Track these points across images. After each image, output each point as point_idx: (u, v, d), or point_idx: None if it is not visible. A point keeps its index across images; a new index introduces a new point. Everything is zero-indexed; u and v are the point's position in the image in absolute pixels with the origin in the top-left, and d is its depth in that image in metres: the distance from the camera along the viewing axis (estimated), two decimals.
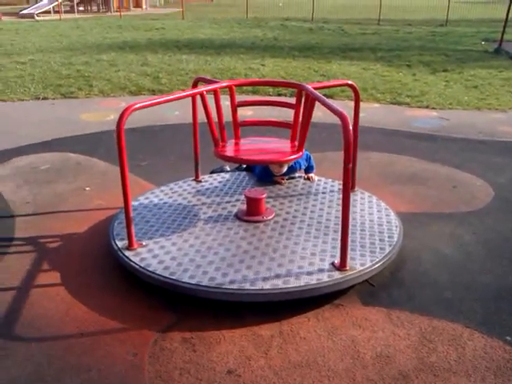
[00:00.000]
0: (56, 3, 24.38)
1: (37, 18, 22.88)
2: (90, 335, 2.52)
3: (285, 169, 3.96)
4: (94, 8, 28.99)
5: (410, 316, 2.67)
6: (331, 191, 3.93)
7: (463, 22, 22.72)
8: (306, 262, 2.88)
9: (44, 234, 3.56)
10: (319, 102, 3.01)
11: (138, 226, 3.29)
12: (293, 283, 2.68)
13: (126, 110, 2.79)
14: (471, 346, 2.44)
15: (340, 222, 3.20)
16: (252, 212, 3.45)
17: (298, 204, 3.68)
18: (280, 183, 4.04)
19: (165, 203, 3.69)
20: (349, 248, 2.90)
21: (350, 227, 3.20)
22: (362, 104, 7.64)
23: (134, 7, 30.49)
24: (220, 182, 4.08)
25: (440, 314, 2.69)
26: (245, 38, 16.02)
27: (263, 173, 4.07)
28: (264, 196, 3.45)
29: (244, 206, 3.54)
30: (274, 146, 3.55)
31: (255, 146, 3.54)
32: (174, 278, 2.73)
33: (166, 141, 5.77)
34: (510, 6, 13.60)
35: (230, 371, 2.30)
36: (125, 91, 8.27)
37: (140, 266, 2.85)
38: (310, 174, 4.16)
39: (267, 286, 2.66)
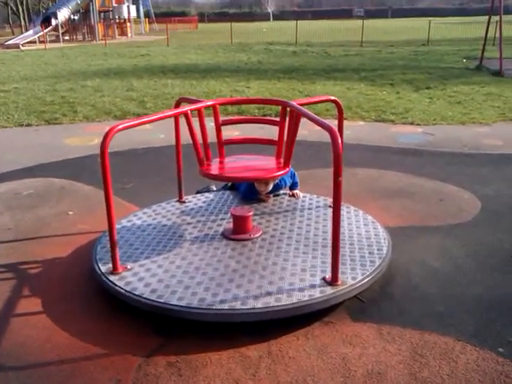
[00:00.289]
0: (41, 33, 24.51)
1: (22, 48, 22.97)
2: (70, 362, 2.43)
3: (270, 187, 3.92)
4: (80, 37, 29.22)
5: (400, 331, 2.61)
6: (317, 207, 3.89)
7: (444, 42, 23.17)
8: (297, 279, 2.82)
9: (25, 259, 3.47)
10: (306, 117, 2.99)
11: (122, 249, 3.21)
12: (285, 301, 2.62)
13: (109, 130, 2.74)
14: (463, 359, 2.38)
15: (329, 237, 3.17)
16: (239, 230, 3.39)
17: (285, 221, 3.64)
18: (265, 200, 3.99)
19: (148, 225, 3.61)
20: (344, 264, 2.86)
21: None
22: (347, 122, 7.68)
23: (119, 35, 30.75)
24: (204, 202, 4.02)
25: (431, 327, 2.63)
26: (229, 62, 16.17)
27: (248, 191, 4.02)
28: (251, 214, 3.40)
29: (230, 225, 3.49)
30: (260, 163, 3.52)
31: (241, 164, 3.51)
32: (161, 300, 2.64)
33: (150, 163, 5.73)
34: (488, 24, 13.88)
35: None
36: (110, 116, 8.24)
37: (126, 290, 2.75)
38: (295, 191, 4.13)
39: (259, 304, 2.59)
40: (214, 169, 3.37)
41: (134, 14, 35.54)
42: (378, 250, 3.17)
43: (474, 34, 23.63)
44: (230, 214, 3.62)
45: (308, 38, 25.44)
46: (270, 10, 76.51)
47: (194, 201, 4.06)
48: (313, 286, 2.74)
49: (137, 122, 2.97)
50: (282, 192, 4.15)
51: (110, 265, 2.97)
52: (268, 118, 7.05)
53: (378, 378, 2.27)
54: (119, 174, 5.19)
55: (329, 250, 3.09)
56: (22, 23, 35.99)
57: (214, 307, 2.58)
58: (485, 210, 4.21)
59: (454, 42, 23.28)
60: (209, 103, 3.48)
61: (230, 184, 4.35)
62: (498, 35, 13.42)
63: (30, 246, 3.69)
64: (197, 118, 3.36)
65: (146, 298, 2.67)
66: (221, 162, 3.50)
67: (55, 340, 2.59)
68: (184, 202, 4.03)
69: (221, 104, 3.69)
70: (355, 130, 7.02)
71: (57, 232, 3.91)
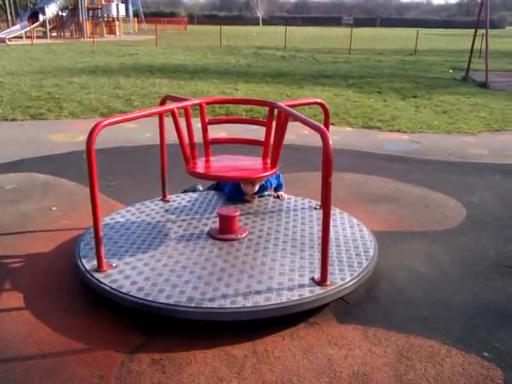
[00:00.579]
0: (28, 28, 24.25)
1: (8, 42, 22.69)
2: (52, 357, 2.38)
3: (256, 188, 3.91)
4: (67, 34, 28.96)
5: (386, 333, 2.61)
6: (302, 209, 3.89)
7: (431, 52, 23.44)
8: (286, 278, 2.81)
9: (7, 254, 3.40)
10: (296, 118, 2.98)
11: (106, 246, 3.14)
12: (274, 300, 2.60)
13: (96, 125, 2.70)
14: (449, 362, 2.39)
15: (315, 239, 3.20)
16: (225, 230, 3.37)
17: (271, 221, 3.62)
18: (250, 201, 3.98)
19: (132, 223, 3.56)
20: (331, 262, 2.89)
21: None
22: (334, 127, 7.72)
23: (107, 34, 30.56)
24: (188, 202, 3.99)
25: (417, 331, 2.63)
26: (218, 64, 16.16)
27: (233, 191, 4.00)
28: (237, 214, 3.38)
29: (216, 225, 3.46)
30: (247, 163, 3.50)
31: (227, 163, 3.49)
32: (149, 299, 2.60)
33: (136, 161, 5.68)
34: (474, 37, 14.08)
35: None
36: (96, 113, 8.16)
37: (112, 288, 2.70)
38: (280, 193, 4.12)
39: (249, 303, 2.57)
40: (201, 167, 3.34)
41: (122, 12, 35.35)
42: (365, 251, 3.18)
43: (460, 45, 23.97)
44: (215, 214, 3.60)
45: (297, 44, 25.56)
46: (259, 15, 76.74)
47: (177, 200, 4.02)
48: (302, 286, 2.73)
49: (124, 117, 2.94)
50: (266, 193, 4.14)
51: (95, 262, 2.92)
52: (255, 118, 7.04)
53: (364, 379, 2.26)
54: (104, 172, 5.13)
55: (316, 251, 3.11)
56: (9, 17, 35.57)
57: (203, 306, 2.55)
58: (470, 217, 4.25)
59: (441, 52, 23.58)
60: (195, 102, 3.44)
61: (215, 184, 4.33)
62: (483, 48, 13.61)
63: (12, 240, 3.62)
64: (183, 117, 3.33)
65: (132, 296, 2.63)
66: (207, 161, 3.47)
67: (37, 335, 2.54)
68: (168, 201, 3.98)
69: (207, 103, 3.65)
70: (342, 136, 7.04)
71: (40, 227, 3.85)
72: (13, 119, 7.63)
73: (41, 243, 3.56)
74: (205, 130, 3.51)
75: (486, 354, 2.45)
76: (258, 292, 2.67)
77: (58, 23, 29.38)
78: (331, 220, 3.60)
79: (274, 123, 3.37)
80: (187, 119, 3.35)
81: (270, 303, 2.58)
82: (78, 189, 4.69)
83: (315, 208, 3.92)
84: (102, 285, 2.74)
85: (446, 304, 2.90)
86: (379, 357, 2.42)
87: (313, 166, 5.58)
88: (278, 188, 4.15)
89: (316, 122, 2.74)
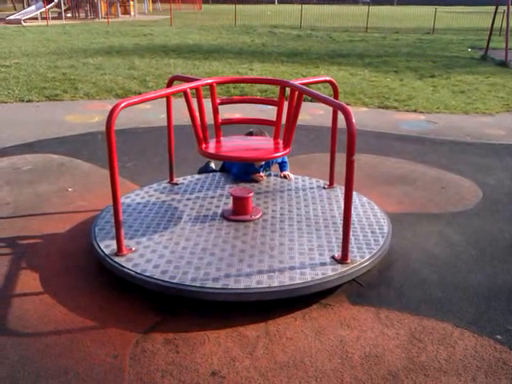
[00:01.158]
0: (43, 9, 24.24)
1: (24, 23, 22.72)
2: (68, 337, 2.42)
3: (263, 161, 3.93)
4: (82, 15, 28.89)
5: (399, 315, 2.61)
6: (311, 188, 3.90)
7: (449, 31, 22.97)
8: (307, 258, 2.84)
9: (24, 234, 3.45)
10: (316, 97, 2.98)
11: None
12: (299, 279, 2.63)
13: (115, 106, 2.66)
14: (461, 345, 2.38)
15: (329, 217, 3.31)
16: (239, 211, 3.37)
17: (282, 202, 3.63)
18: (258, 180, 3.97)
19: (144, 207, 3.55)
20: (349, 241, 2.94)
21: (339, 222, 3.25)
22: (350, 108, 7.63)
23: (122, 14, 30.42)
24: (196, 184, 3.98)
25: (430, 313, 2.63)
26: (233, 43, 16.02)
27: (242, 172, 3.99)
28: (251, 195, 3.39)
29: (229, 206, 3.47)
30: (259, 144, 3.49)
31: (240, 144, 3.48)
32: (175, 281, 2.60)
33: (150, 143, 5.68)
34: (494, 15, 13.75)
35: (214, 373, 2.21)
36: (111, 94, 8.17)
37: (136, 272, 2.69)
38: (286, 173, 4.12)
39: (274, 283, 2.59)
40: (213, 148, 3.33)
41: None
42: (380, 229, 3.22)
43: (480, 23, 23.45)
44: (226, 195, 3.62)
45: (312, 23, 25.20)
46: None
47: (185, 182, 4.01)
48: (324, 265, 2.77)
49: (141, 98, 2.92)
50: (272, 174, 4.13)
51: (113, 246, 2.92)
52: (266, 98, 6.99)
53: (376, 360, 2.27)
54: (119, 153, 5.13)
55: (332, 230, 3.16)
56: None
57: (230, 287, 2.56)
58: (486, 198, 4.20)
59: (459, 31, 23.09)
60: (206, 81, 3.40)
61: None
62: (504, 25, 13.29)
63: (28, 221, 3.67)
64: (194, 98, 3.31)
65: (157, 279, 2.62)
66: (219, 142, 3.46)
67: (53, 314, 2.59)
68: (176, 184, 3.98)
69: (218, 83, 3.61)
70: (358, 116, 6.95)
71: (56, 208, 3.89)
72: (29, 100, 7.68)
73: (57, 224, 3.60)
74: (215, 111, 3.49)
75: (498, 336, 2.44)
76: (282, 272, 2.69)
77: (73, 4, 29.30)
78: (340, 199, 3.65)
79: (287, 103, 3.34)
80: (199, 100, 3.33)
81: (295, 282, 2.60)
82: (93, 170, 4.72)
83: (324, 187, 3.94)
84: (125, 269, 2.73)
85: (459, 286, 2.89)
86: (391, 339, 2.42)
87: (328, 148, 5.55)
88: (283, 166, 4.15)
89: (336, 100, 2.72)
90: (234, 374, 2.20)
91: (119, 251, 2.86)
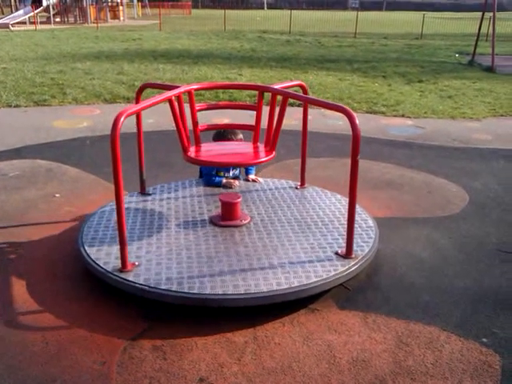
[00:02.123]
0: (32, 14, 24.14)
1: (12, 28, 22.60)
2: (55, 344, 2.41)
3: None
4: (71, 19, 28.79)
5: (386, 320, 2.62)
6: (284, 188, 3.99)
7: (437, 36, 23.18)
8: (313, 256, 2.92)
9: (11, 240, 3.43)
10: (314, 103, 3.05)
11: (114, 245, 2.99)
12: (315, 277, 2.69)
13: (117, 118, 2.59)
14: (448, 348, 2.40)
15: (315, 216, 3.45)
16: (229, 217, 3.37)
17: (264, 205, 3.66)
18: (230, 187, 3.95)
19: (127, 217, 3.41)
20: (342, 238, 3.07)
21: (326, 220, 3.41)
22: (338, 113, 7.64)
23: (111, 19, 30.38)
24: (169, 193, 3.90)
25: (417, 317, 2.65)
26: (222, 48, 16.05)
27: (210, 177, 3.99)
28: (240, 199, 3.39)
29: (217, 212, 3.47)
30: (245, 148, 3.51)
31: (226, 149, 3.49)
32: (195, 291, 2.57)
33: (136, 148, 5.65)
34: (481, 21, 13.90)
35: (201, 379, 2.21)
36: (99, 99, 8.15)
37: (150, 287, 2.61)
38: (253, 177, 4.15)
39: (294, 283, 2.63)
40: (201, 154, 3.30)
41: None
42: (366, 224, 3.34)
43: (467, 29, 23.67)
44: (209, 202, 3.65)
45: (302, 28, 25.31)
46: None
47: (157, 192, 3.92)
48: (331, 260, 2.86)
49: (141, 106, 2.89)
50: (241, 177, 4.17)
51: (109, 260, 2.84)
52: (245, 103, 7.02)
53: (363, 365, 2.28)
54: (108, 158, 5.13)
55: (323, 229, 3.27)
56: (12, 2, 35.38)
57: (251, 291, 2.57)
58: (472, 203, 4.24)
59: (447, 36, 23.29)
60: (186, 88, 3.28)
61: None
62: (491, 31, 13.45)
63: (15, 227, 3.65)
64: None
65: (177, 291, 2.57)
66: (207, 147, 3.45)
67: (40, 321, 2.57)
68: (149, 194, 3.85)
69: (197, 89, 3.54)
70: (347, 121, 6.99)
71: (43, 214, 3.87)
72: (16, 105, 7.64)
73: (44, 230, 3.58)
74: (194, 117, 3.41)
75: (484, 339, 2.46)
76: (296, 271, 2.74)
77: (62, 8, 29.19)
78: (318, 199, 3.79)
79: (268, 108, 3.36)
80: (181, 106, 3.26)
81: (312, 281, 2.67)
82: (81, 175, 4.71)
83: (296, 188, 4.02)
84: (138, 285, 2.63)
85: (446, 290, 2.91)
86: (378, 343, 2.44)
87: (315, 153, 5.57)
88: (249, 170, 4.17)
89: (338, 103, 2.78)
90: (221, 380, 2.20)
91: (124, 267, 2.75)
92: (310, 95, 3.10)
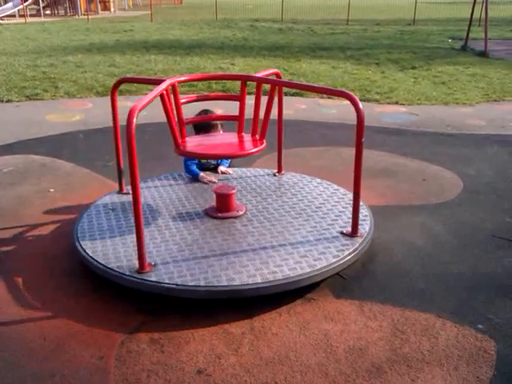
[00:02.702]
0: (21, 7, 23.89)
1: (1, 21, 22.37)
2: (53, 339, 2.42)
3: None
4: (61, 11, 28.51)
5: (382, 308, 2.64)
6: (261, 176, 4.08)
7: (430, 21, 23.10)
8: (322, 238, 3.02)
9: (6, 236, 3.42)
10: (316, 90, 3.09)
11: (114, 243, 2.99)
12: (335, 257, 2.80)
13: (131, 112, 2.61)
14: (444, 335, 2.42)
15: (306, 202, 3.57)
16: (227, 208, 3.38)
17: (250, 194, 3.70)
18: (206, 182, 3.92)
19: (118, 217, 3.40)
20: (340, 220, 3.26)
21: (317, 203, 3.56)
22: (332, 101, 7.68)
23: (101, 10, 30.10)
24: (149, 190, 3.84)
25: (412, 304, 2.66)
26: (214, 38, 15.95)
27: (191, 165, 4.00)
28: (235, 190, 3.40)
29: (211, 204, 3.47)
30: (233, 140, 3.51)
31: (217, 141, 3.48)
32: (225, 284, 2.57)
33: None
34: (473, 5, 13.85)
35: (199, 371, 2.22)
36: (92, 92, 8.10)
37: (177, 284, 2.59)
38: (224, 169, 4.15)
39: (317, 265, 2.72)
40: (193, 147, 3.27)
41: None
42: (362, 208, 3.38)
43: (459, 14, 23.62)
44: (195, 195, 3.67)
45: (294, 16, 25.16)
46: None
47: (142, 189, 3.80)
48: (340, 240, 3.00)
49: (151, 97, 2.86)
50: (225, 163, 4.22)
51: (123, 264, 2.77)
52: (229, 94, 6.98)
53: (360, 353, 2.30)
54: (101, 152, 5.13)
55: (319, 212, 3.39)
56: None
57: (270, 279, 2.60)
58: (467, 189, 4.25)
59: (439, 21, 23.22)
60: (170, 81, 3.17)
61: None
62: (483, 16, 13.40)
63: (10, 223, 3.63)
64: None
65: (206, 286, 2.57)
66: (196, 140, 3.42)
67: (38, 317, 2.58)
68: (127, 194, 3.68)
69: (180, 82, 3.47)
70: (340, 110, 7.01)
71: (38, 209, 3.86)
72: (8, 100, 7.58)
73: (39, 226, 3.57)
74: (179, 110, 3.34)
75: (480, 326, 2.48)
76: (313, 256, 2.82)
77: (52, 1, 28.91)
78: (313, 185, 3.89)
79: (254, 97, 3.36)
80: (172, 99, 3.21)
81: (333, 261, 2.77)
82: (75, 170, 4.69)
83: (274, 175, 4.10)
84: (165, 284, 2.59)
85: (442, 277, 2.93)
86: (375, 331, 2.45)
87: (311, 142, 5.57)
88: (222, 162, 4.18)
89: (338, 89, 2.81)
90: (219, 371, 2.21)
91: (142, 268, 2.68)
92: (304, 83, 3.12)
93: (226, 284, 2.58)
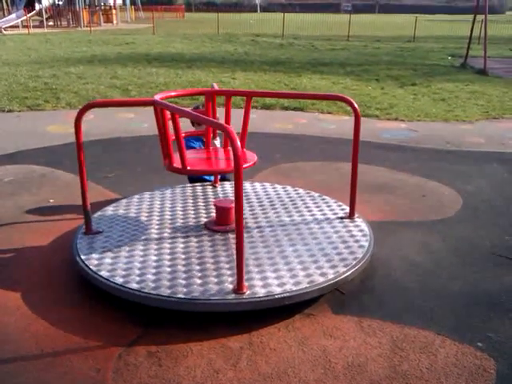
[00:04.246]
0: (24, 18, 24.07)
1: (4, 32, 22.53)
2: (50, 351, 2.40)
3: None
4: (64, 23, 28.75)
5: (381, 324, 2.63)
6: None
7: (430, 39, 23.31)
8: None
9: (4, 247, 3.41)
10: (313, 97, 3.27)
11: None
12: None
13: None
14: (443, 353, 2.41)
15: (299, 215, 3.56)
16: (224, 221, 3.37)
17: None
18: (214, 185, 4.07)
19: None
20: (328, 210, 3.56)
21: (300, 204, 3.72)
22: (332, 116, 7.69)
23: (104, 22, 30.35)
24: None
25: (411, 321, 2.65)
26: (216, 52, 16.07)
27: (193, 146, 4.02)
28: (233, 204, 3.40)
29: (212, 217, 3.47)
30: (220, 154, 3.56)
31: (205, 156, 3.50)
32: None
33: (133, 153, 5.68)
34: (473, 24, 13.99)
35: None
36: None
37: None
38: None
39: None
40: (188, 164, 3.24)
41: (119, 1, 35.10)
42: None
43: (459, 32, 23.84)
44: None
45: (295, 31, 25.38)
46: (257, 2, 76.08)
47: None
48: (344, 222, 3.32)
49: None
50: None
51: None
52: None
53: (358, 370, 2.29)
54: (102, 163, 5.15)
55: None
56: (4, 6, 35.27)
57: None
58: (466, 206, 4.26)
59: (439, 39, 23.43)
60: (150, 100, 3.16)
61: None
62: (482, 34, 13.53)
63: (9, 233, 3.63)
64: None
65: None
66: (189, 156, 3.39)
67: (34, 328, 2.56)
68: (98, 233, 3.32)
69: (163, 98, 3.32)
70: (339, 125, 7.04)
71: (37, 220, 3.86)
72: (10, 110, 7.61)
73: (38, 236, 3.57)
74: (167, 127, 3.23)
75: (479, 343, 2.47)
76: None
77: (55, 12, 29.14)
78: (284, 190, 4.02)
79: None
80: (160, 118, 3.14)
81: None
82: (75, 181, 4.66)
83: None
84: (264, 298, 2.58)
85: (441, 294, 2.92)
86: (374, 348, 2.44)
87: (311, 156, 5.59)
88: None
89: (335, 93, 2.89)
90: None
91: (239, 288, 2.61)
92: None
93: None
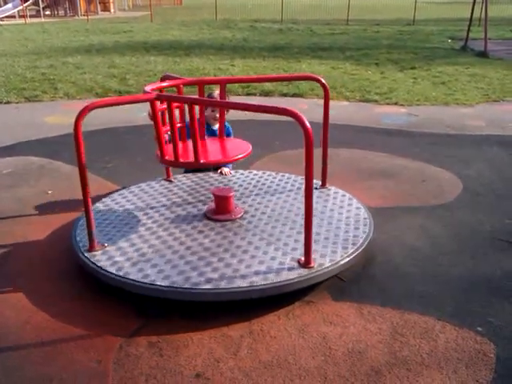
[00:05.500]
0: (21, 7, 23.89)
1: (0, 22, 22.37)
2: (51, 343, 2.41)
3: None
4: (61, 12, 28.52)
5: (381, 310, 2.63)
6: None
7: (430, 21, 23.08)
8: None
9: (4, 239, 3.41)
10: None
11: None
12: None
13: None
14: (443, 338, 2.41)
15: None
16: (223, 211, 3.36)
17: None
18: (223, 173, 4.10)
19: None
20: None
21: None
22: (331, 102, 7.66)
23: (101, 11, 30.10)
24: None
25: (411, 307, 2.65)
26: (214, 39, 15.95)
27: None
28: (233, 193, 3.39)
29: (212, 206, 3.46)
30: (219, 145, 3.54)
31: (209, 147, 3.48)
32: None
33: (132, 142, 5.65)
34: (473, 5, 13.84)
35: (198, 375, 2.21)
36: (91, 93, 8.10)
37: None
38: (226, 169, 4.16)
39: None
40: (189, 156, 3.23)
41: None
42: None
43: (459, 14, 23.59)
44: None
45: (294, 16, 25.15)
46: None
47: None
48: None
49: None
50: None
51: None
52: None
53: (359, 356, 2.29)
54: (100, 153, 5.13)
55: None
56: None
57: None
58: (466, 190, 4.24)
59: (439, 21, 23.20)
60: (147, 98, 3.04)
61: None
62: (483, 16, 13.38)
63: (8, 225, 3.63)
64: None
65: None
66: (182, 149, 3.36)
67: (35, 321, 2.57)
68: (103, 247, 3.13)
69: (160, 94, 3.20)
70: (339, 110, 7.00)
71: (36, 212, 3.86)
72: (7, 102, 7.58)
73: (37, 228, 3.57)
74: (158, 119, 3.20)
75: (479, 328, 2.47)
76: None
77: (52, 1, 28.89)
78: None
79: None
80: (156, 113, 3.11)
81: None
82: (73, 172, 4.65)
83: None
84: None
85: (441, 279, 2.92)
86: (374, 334, 2.44)
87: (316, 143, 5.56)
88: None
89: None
90: (218, 375, 2.20)
91: (308, 262, 2.73)
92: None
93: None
